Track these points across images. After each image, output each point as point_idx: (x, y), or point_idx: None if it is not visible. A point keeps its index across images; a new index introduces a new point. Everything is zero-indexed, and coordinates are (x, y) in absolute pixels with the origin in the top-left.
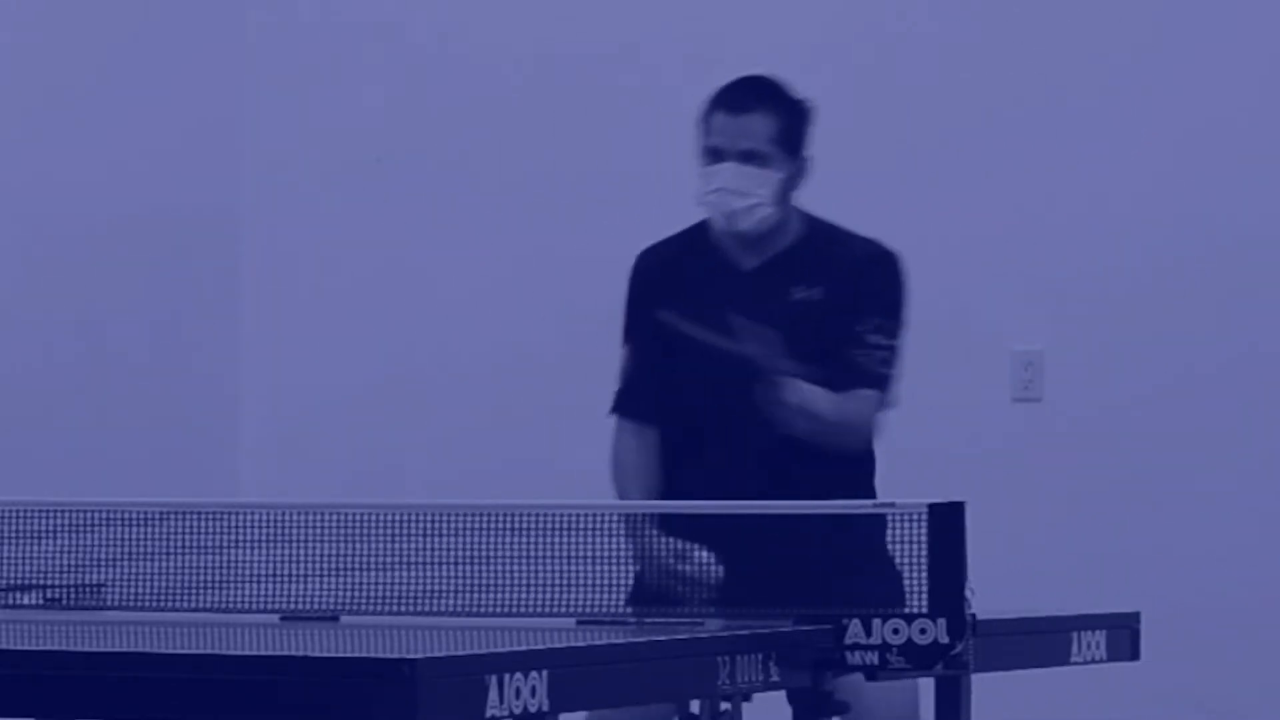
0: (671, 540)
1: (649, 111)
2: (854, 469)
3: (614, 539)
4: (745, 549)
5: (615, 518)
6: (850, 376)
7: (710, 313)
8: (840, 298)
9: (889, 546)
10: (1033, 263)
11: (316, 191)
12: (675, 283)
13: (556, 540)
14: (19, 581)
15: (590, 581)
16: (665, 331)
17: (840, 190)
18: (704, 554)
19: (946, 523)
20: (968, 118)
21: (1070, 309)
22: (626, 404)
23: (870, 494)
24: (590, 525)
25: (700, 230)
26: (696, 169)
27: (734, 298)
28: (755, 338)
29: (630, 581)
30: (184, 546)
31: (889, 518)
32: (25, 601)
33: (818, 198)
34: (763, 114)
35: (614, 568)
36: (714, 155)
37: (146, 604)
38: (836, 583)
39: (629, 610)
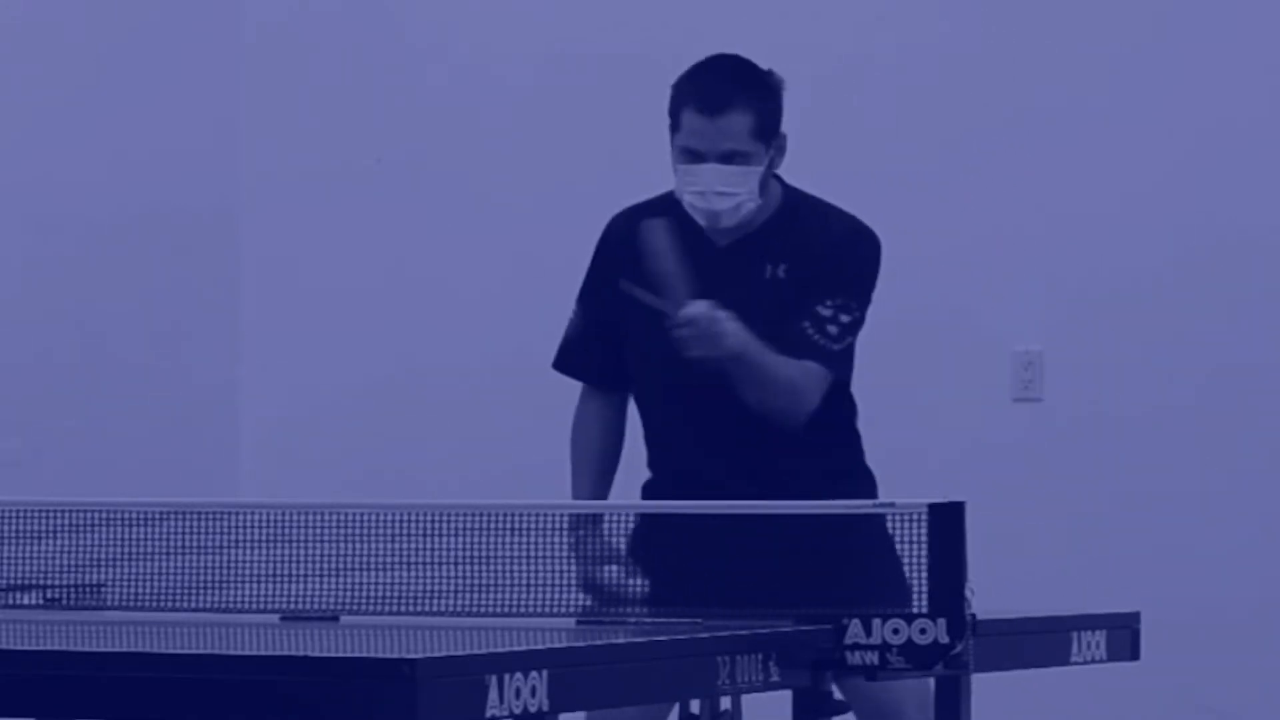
0: (604, 546)
1: (650, 110)
2: (831, 451)
3: (613, 539)
4: (743, 547)
5: (616, 518)
6: (796, 346)
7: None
8: (804, 273)
9: (898, 547)
10: (1033, 263)
11: (316, 191)
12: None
13: (556, 540)
14: (19, 581)
15: None
16: (625, 301)
17: (840, 189)
18: (627, 570)
19: (946, 523)
20: (968, 117)
21: (1070, 309)
22: (563, 360)
23: (854, 479)
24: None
25: (674, 199)
26: (671, 159)
27: (707, 274)
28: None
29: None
30: (184, 546)
31: (889, 518)
32: (25, 601)
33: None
34: (739, 110)
35: (613, 567)
36: (692, 156)
37: (146, 604)
38: (838, 582)
39: (628, 610)
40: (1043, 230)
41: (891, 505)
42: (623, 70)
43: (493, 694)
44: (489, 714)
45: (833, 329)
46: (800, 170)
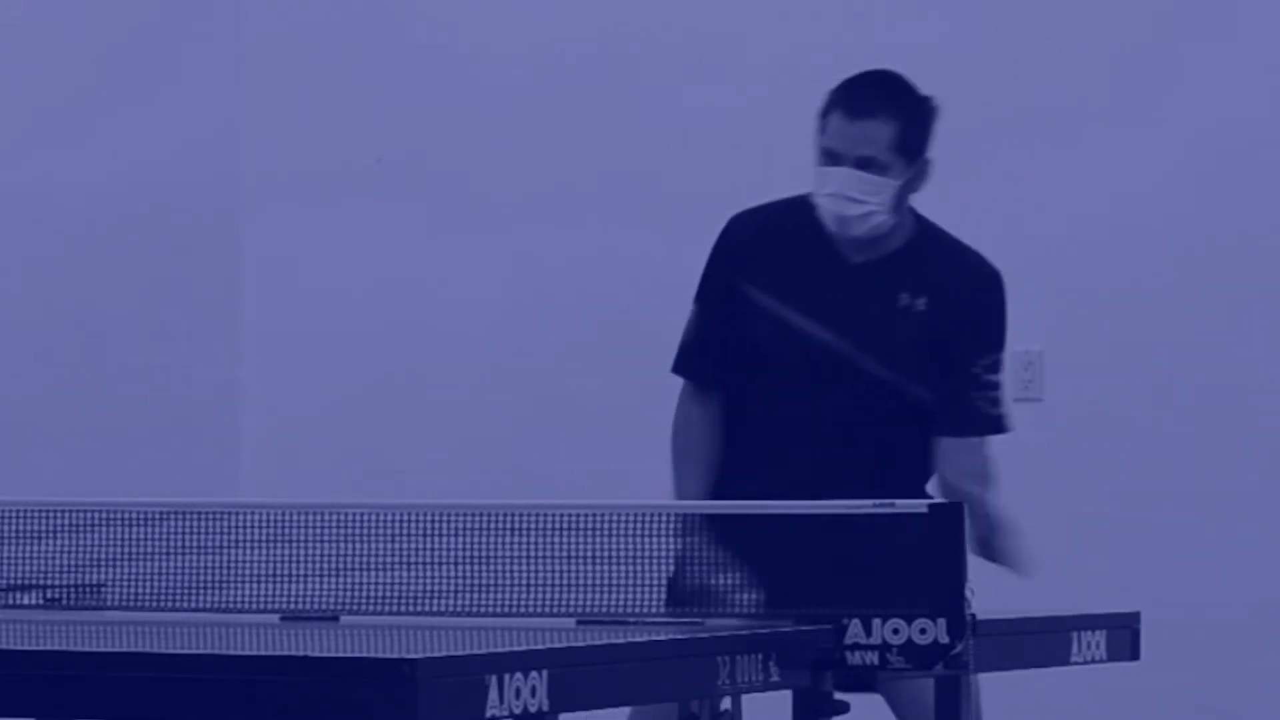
0: (713, 549)
1: (650, 113)
2: (918, 460)
3: (614, 539)
4: (761, 548)
5: (617, 518)
6: (974, 424)
7: (809, 298)
8: (945, 313)
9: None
10: (1033, 263)
11: (316, 191)
12: (772, 258)
13: (556, 540)
14: (19, 581)
15: (590, 581)
16: (751, 305)
17: None
18: (738, 575)
19: (946, 523)
20: (968, 117)
21: (1070, 309)
22: (684, 363)
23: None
24: (590, 525)
25: (805, 207)
26: (813, 166)
27: (838, 291)
28: None
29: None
30: (184, 546)
31: (889, 518)
32: (25, 601)
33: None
34: (882, 119)
35: (614, 568)
36: (830, 158)
37: (146, 604)
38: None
39: (630, 610)
40: (1043, 230)
41: (891, 505)
42: (622, 70)
43: (493, 694)
44: (489, 714)
45: (994, 393)
46: (800, 172)
